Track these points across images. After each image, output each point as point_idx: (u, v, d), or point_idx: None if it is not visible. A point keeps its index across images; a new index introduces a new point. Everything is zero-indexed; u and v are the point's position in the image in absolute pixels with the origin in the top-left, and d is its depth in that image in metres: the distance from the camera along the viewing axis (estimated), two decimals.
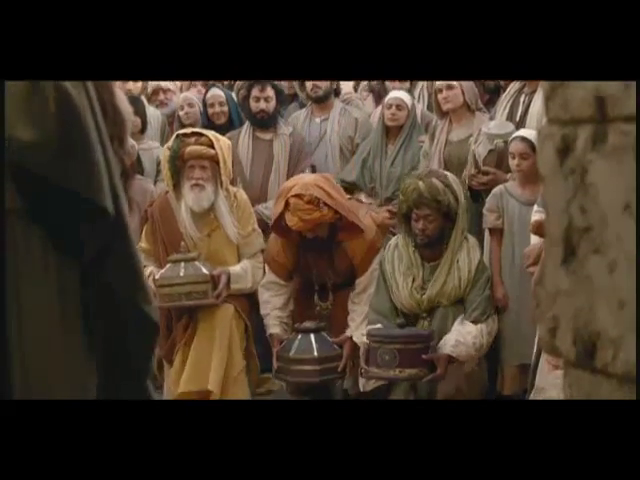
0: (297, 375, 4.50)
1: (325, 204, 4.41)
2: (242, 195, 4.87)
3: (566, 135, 1.10)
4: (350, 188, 5.44)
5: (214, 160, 4.63)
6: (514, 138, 4.39)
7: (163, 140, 6.20)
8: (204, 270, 4.53)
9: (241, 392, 4.64)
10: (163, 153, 4.81)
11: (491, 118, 4.97)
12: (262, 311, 4.77)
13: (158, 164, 5.58)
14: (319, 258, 4.68)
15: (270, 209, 5.34)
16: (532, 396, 2.98)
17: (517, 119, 4.76)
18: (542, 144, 1.16)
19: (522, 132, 4.39)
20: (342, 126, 5.64)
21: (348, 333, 4.63)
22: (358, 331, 4.56)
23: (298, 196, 4.40)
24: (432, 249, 4.39)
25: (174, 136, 4.73)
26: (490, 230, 4.60)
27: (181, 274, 4.49)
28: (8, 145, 1.34)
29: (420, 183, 4.25)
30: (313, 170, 5.52)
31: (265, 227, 5.29)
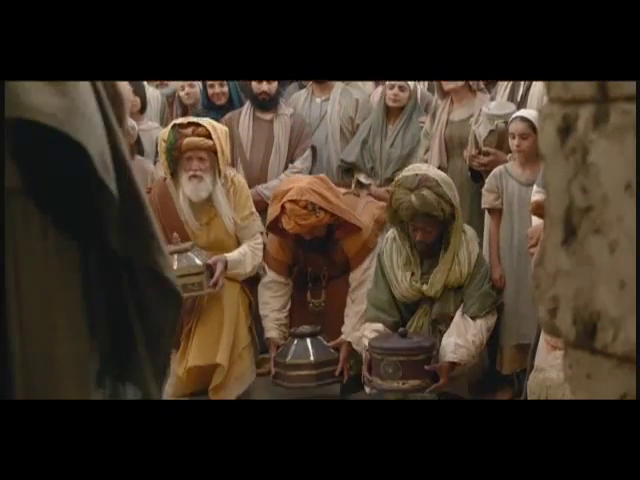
0: (294, 380, 4.51)
1: (321, 208, 4.42)
2: (239, 179, 4.85)
3: (567, 115, 1.10)
4: (350, 168, 5.44)
5: (212, 150, 4.60)
6: (514, 118, 4.38)
7: (163, 121, 6.19)
8: (197, 261, 4.51)
9: (245, 367, 4.68)
10: (159, 144, 4.77)
11: (492, 98, 4.95)
12: (261, 312, 4.78)
13: (157, 145, 5.58)
14: (316, 256, 4.69)
15: (270, 189, 5.33)
16: (531, 377, 2.98)
17: (518, 99, 4.74)
18: (543, 124, 1.15)
19: (522, 112, 4.38)
20: (343, 106, 5.62)
21: (344, 333, 4.64)
22: (354, 332, 4.57)
23: (294, 201, 4.40)
24: (431, 249, 4.40)
25: (170, 126, 4.67)
26: (489, 210, 4.60)
27: (174, 267, 4.42)
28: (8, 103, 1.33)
29: (412, 198, 4.17)
30: (313, 151, 5.51)
31: (265, 207, 5.28)
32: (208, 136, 4.57)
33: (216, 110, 5.60)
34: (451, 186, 4.27)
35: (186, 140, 4.55)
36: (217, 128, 4.64)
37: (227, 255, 4.63)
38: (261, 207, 5.39)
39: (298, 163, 5.42)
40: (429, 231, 4.29)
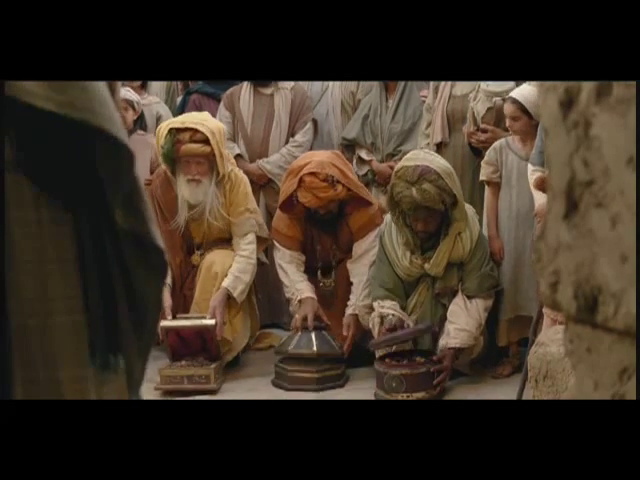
0: (295, 382, 4.49)
1: (339, 182, 4.50)
2: (237, 174, 4.82)
3: (570, 88, 1.09)
4: (352, 145, 5.42)
5: (210, 154, 4.61)
6: (506, 98, 4.41)
7: (170, 92, 6.21)
8: (208, 321, 4.56)
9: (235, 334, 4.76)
10: (157, 150, 4.77)
11: None
12: (288, 283, 4.77)
13: (158, 119, 5.58)
14: (324, 233, 4.75)
15: (271, 163, 5.33)
16: (532, 351, 2.99)
17: None
18: (545, 97, 1.14)
19: (514, 92, 4.38)
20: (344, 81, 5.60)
21: (349, 306, 4.69)
22: (359, 304, 4.63)
23: (314, 174, 4.47)
24: (432, 234, 4.41)
25: (167, 131, 4.61)
26: (487, 183, 4.62)
27: (187, 323, 4.59)
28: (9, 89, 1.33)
29: (414, 192, 4.18)
30: (315, 124, 5.50)
31: (267, 181, 5.30)
32: (206, 141, 4.57)
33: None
34: (452, 176, 4.27)
35: (183, 147, 4.57)
36: (215, 132, 4.61)
37: (224, 283, 4.66)
38: (262, 180, 5.39)
39: (299, 137, 5.41)
40: (430, 221, 4.31)
